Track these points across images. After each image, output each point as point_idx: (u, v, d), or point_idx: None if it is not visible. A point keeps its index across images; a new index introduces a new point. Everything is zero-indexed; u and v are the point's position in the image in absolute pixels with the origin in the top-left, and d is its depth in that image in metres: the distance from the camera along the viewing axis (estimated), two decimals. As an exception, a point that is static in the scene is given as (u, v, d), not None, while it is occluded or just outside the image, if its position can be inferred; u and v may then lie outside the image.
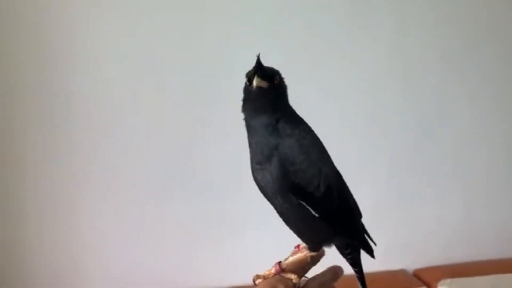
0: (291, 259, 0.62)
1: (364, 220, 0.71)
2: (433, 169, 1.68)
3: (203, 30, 1.50)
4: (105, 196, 1.50)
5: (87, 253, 1.50)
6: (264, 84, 0.59)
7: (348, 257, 0.66)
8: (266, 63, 0.61)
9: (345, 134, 1.58)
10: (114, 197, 1.50)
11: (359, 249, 0.67)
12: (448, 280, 1.53)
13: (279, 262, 0.62)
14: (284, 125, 0.59)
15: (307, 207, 0.60)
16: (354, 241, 0.66)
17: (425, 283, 1.57)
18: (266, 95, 0.59)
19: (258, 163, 0.60)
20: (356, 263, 0.66)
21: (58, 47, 1.44)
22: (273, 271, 0.62)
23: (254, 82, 0.59)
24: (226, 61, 1.49)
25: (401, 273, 1.65)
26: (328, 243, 0.63)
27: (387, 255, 1.64)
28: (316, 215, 0.60)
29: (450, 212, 1.71)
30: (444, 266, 1.63)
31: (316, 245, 0.62)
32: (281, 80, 0.62)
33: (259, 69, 0.59)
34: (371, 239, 0.68)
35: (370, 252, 0.67)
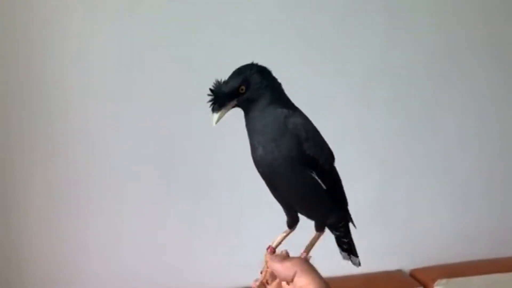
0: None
1: (360, 221, 0.74)
2: (427, 170, 1.69)
3: (197, 29, 1.50)
4: (103, 197, 1.49)
5: (87, 255, 1.50)
6: (220, 115, 0.61)
7: (341, 230, 0.72)
8: (255, 62, 0.63)
9: (339, 135, 1.59)
10: (113, 198, 1.49)
11: (348, 221, 0.72)
12: (444, 280, 1.54)
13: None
14: (285, 110, 0.63)
15: (318, 179, 0.64)
16: (347, 212, 0.71)
17: (421, 283, 1.57)
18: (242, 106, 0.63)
19: (272, 141, 0.62)
20: (347, 234, 0.73)
21: (53, 47, 1.44)
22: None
23: (213, 121, 0.61)
24: (220, 60, 1.49)
25: (398, 273, 1.65)
26: (328, 218, 0.69)
27: (383, 256, 1.66)
28: (324, 187, 0.65)
29: (446, 212, 1.71)
30: (441, 266, 1.64)
31: (322, 222, 0.68)
32: (250, 82, 0.62)
33: (213, 103, 0.61)
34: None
35: (352, 222, 0.73)
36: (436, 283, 1.54)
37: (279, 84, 0.65)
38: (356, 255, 0.74)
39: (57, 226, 1.48)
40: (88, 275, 1.50)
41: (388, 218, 1.66)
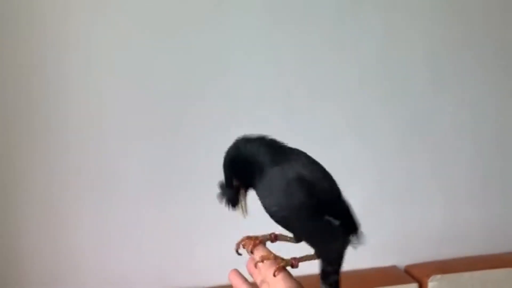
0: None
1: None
2: (422, 167, 1.70)
3: (193, 29, 1.49)
4: (102, 197, 1.49)
5: (85, 254, 1.50)
6: (242, 207, 0.63)
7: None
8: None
9: (335, 135, 1.60)
10: (111, 198, 1.49)
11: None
12: (439, 276, 1.55)
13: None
14: (280, 166, 0.60)
15: (331, 219, 0.62)
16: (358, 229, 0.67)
17: (416, 279, 1.58)
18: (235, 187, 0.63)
19: (278, 202, 0.60)
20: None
21: (51, 48, 1.43)
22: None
23: (242, 216, 0.63)
24: (219, 58, 1.48)
25: (393, 269, 1.67)
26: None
27: (378, 252, 1.66)
28: (337, 223, 0.62)
29: (441, 209, 1.72)
30: (435, 262, 1.65)
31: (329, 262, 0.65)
32: (235, 174, 0.63)
33: (227, 204, 0.63)
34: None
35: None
36: (430, 279, 1.55)
37: (264, 144, 0.62)
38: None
39: (54, 225, 1.47)
40: (85, 274, 1.50)
41: (383, 214, 1.66)
